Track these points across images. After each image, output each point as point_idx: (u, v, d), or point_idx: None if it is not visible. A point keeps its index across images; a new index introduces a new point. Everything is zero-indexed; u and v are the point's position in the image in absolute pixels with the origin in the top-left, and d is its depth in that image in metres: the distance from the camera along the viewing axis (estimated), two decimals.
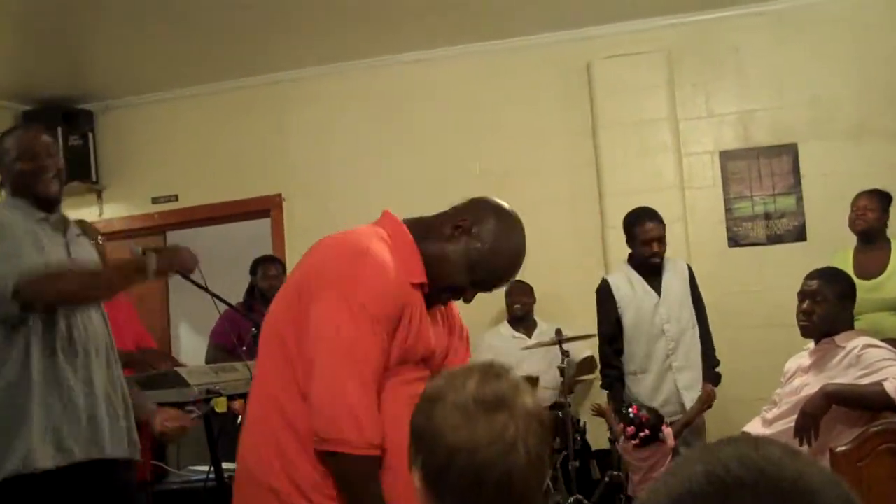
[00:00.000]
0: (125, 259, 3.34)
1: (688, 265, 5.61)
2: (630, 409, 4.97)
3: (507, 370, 1.61)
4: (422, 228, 2.59)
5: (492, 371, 1.59)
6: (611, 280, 5.54)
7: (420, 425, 1.57)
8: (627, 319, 5.42)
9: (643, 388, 5.36)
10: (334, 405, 2.26)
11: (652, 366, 5.37)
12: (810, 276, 4.01)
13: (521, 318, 6.46)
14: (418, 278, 2.47)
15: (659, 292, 5.39)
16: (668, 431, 4.95)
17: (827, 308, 3.90)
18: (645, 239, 5.38)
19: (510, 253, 2.67)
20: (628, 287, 5.47)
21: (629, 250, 5.57)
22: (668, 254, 5.51)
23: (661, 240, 5.40)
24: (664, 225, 5.44)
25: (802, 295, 3.98)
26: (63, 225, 3.42)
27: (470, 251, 2.56)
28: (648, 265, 5.41)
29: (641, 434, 4.86)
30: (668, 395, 5.34)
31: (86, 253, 3.46)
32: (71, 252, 3.36)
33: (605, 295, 5.51)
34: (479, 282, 2.55)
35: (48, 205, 3.36)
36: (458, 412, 1.52)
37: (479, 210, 2.71)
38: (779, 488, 0.84)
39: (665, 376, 5.35)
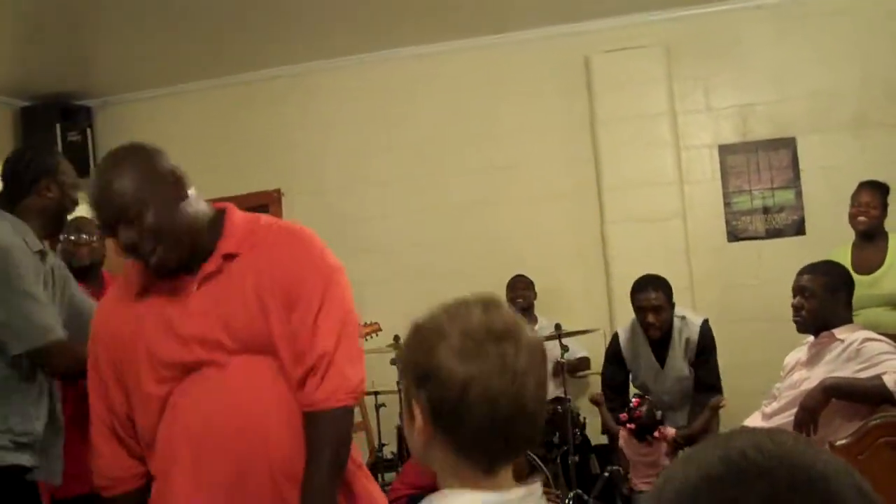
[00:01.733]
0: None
1: (704, 324, 5.33)
2: (632, 401, 5.03)
3: (503, 301, 1.59)
4: None
5: (492, 302, 1.56)
6: (620, 337, 5.49)
7: (421, 360, 1.52)
8: (633, 377, 5.48)
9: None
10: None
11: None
12: (800, 272, 4.02)
13: (522, 313, 6.43)
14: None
15: (663, 363, 5.31)
16: (669, 432, 4.97)
17: (816, 302, 3.90)
18: (639, 307, 5.27)
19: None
20: (631, 349, 5.42)
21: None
22: (676, 316, 5.33)
23: (658, 310, 5.21)
24: (665, 292, 5.25)
25: (794, 291, 3.99)
26: (46, 256, 3.29)
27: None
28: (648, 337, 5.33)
29: (629, 426, 4.93)
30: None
31: (62, 283, 3.34)
32: (45, 282, 3.22)
33: (613, 352, 5.52)
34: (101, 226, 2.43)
35: (55, 231, 3.36)
36: (469, 342, 1.49)
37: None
38: (793, 474, 0.86)
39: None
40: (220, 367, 2.32)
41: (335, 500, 2.30)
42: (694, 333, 5.29)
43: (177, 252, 2.32)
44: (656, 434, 4.94)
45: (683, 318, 5.35)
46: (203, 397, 2.30)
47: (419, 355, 1.53)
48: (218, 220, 2.43)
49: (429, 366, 1.50)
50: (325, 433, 2.28)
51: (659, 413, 5.01)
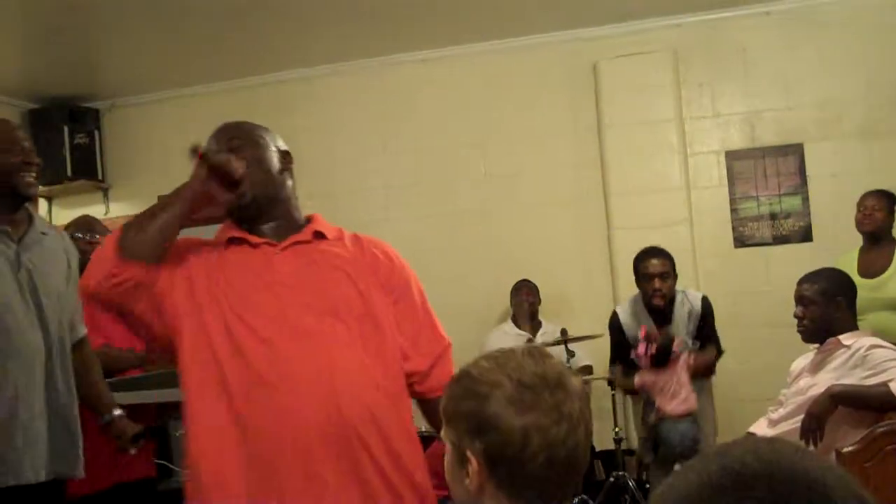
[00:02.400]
0: None
1: (704, 298, 5.42)
2: (640, 331, 5.10)
3: (548, 351, 1.63)
4: None
5: (539, 352, 1.61)
6: (620, 314, 5.49)
7: (475, 410, 1.55)
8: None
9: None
10: None
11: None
12: (799, 282, 4.02)
13: (527, 318, 6.45)
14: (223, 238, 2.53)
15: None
16: (684, 355, 5.05)
17: (816, 310, 3.90)
18: (645, 273, 5.33)
19: None
20: (635, 327, 5.39)
21: (635, 250, 5.55)
22: (679, 286, 5.43)
23: (664, 276, 5.28)
24: (670, 260, 5.34)
25: (795, 300, 4.00)
26: (17, 228, 3.23)
27: None
28: (652, 306, 5.34)
29: (650, 353, 4.99)
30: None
31: (40, 258, 3.26)
32: (21, 261, 3.18)
33: (614, 329, 5.51)
34: None
35: (14, 206, 3.21)
36: (525, 392, 1.53)
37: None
38: (791, 479, 0.86)
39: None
40: (297, 320, 2.35)
41: None
42: (696, 305, 5.34)
43: (257, 192, 2.44)
44: (673, 353, 4.97)
45: (684, 292, 5.42)
46: (283, 344, 2.32)
47: (472, 405, 1.56)
48: (306, 217, 2.59)
49: (485, 416, 1.54)
50: (435, 419, 2.28)
51: (672, 335, 5.06)
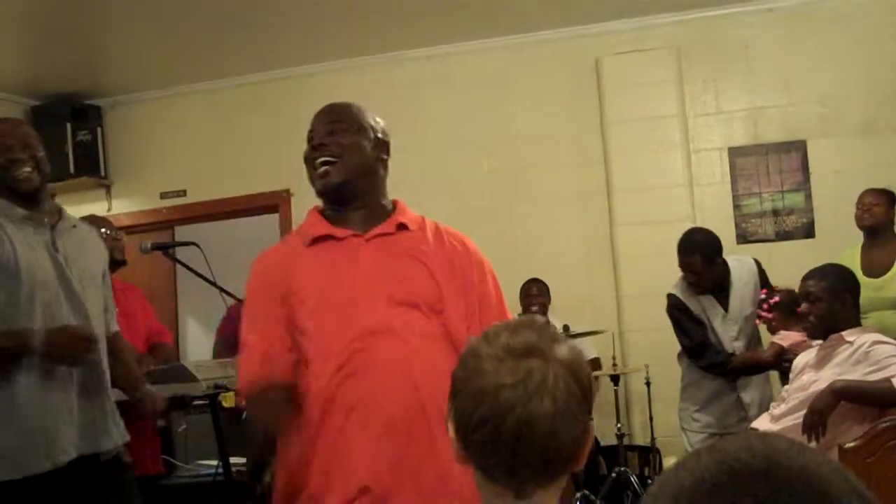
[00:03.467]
0: (9, 331, 3.13)
1: (756, 261, 5.28)
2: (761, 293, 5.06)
3: (543, 324, 1.58)
4: None
5: (526, 323, 1.56)
6: (680, 295, 5.23)
7: (456, 377, 1.55)
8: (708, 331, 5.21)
9: (701, 397, 5.25)
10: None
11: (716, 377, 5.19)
12: (804, 278, 4.02)
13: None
14: (313, 234, 2.60)
15: (726, 307, 5.17)
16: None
17: (822, 307, 3.89)
18: (682, 267, 5.18)
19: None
20: (695, 301, 5.21)
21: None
22: (731, 260, 5.26)
23: (699, 274, 5.09)
24: (699, 257, 5.09)
25: (799, 297, 4.01)
26: (50, 218, 3.33)
27: None
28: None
29: (771, 301, 4.90)
30: (728, 408, 5.16)
31: (74, 247, 3.37)
32: (58, 247, 3.28)
33: (680, 309, 5.23)
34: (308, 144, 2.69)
35: (28, 200, 3.28)
36: (490, 360, 1.49)
37: None
38: (788, 474, 0.86)
39: (726, 391, 5.16)
40: (383, 319, 2.46)
41: None
42: (751, 267, 5.22)
43: (345, 177, 2.55)
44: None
45: (738, 259, 5.30)
46: (365, 336, 2.44)
47: (457, 371, 1.56)
48: (391, 203, 2.70)
49: (455, 380, 1.54)
50: None
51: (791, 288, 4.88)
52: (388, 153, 2.71)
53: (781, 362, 4.88)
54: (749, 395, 5.13)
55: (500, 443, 1.45)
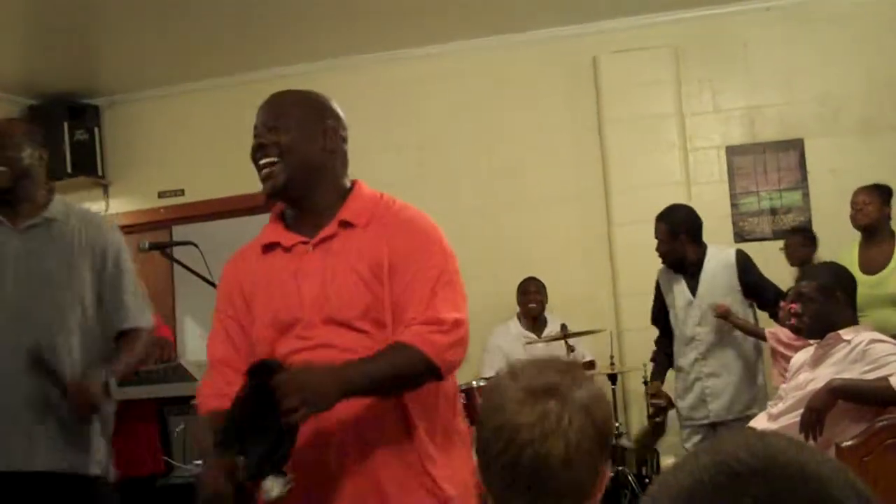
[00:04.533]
0: None
1: (737, 253, 5.35)
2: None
3: (569, 365, 1.66)
4: None
5: (552, 364, 1.64)
6: (659, 272, 5.48)
7: (481, 410, 1.65)
8: (670, 316, 5.42)
9: (678, 386, 5.42)
10: None
11: (683, 367, 5.35)
12: (797, 279, 4.03)
13: (534, 317, 6.42)
14: (265, 240, 2.56)
15: (695, 291, 5.28)
16: None
17: (814, 306, 3.90)
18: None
19: None
20: (667, 284, 5.40)
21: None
22: (711, 246, 5.39)
23: (661, 242, 5.29)
24: (664, 225, 5.30)
25: (793, 297, 4.01)
26: (19, 220, 3.29)
27: None
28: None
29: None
30: (695, 401, 5.29)
31: (37, 245, 3.30)
32: (10, 248, 3.24)
33: (656, 284, 5.51)
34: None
35: (4, 201, 3.28)
36: (512, 398, 1.57)
37: None
38: (787, 473, 0.85)
39: (695, 381, 5.29)
40: (313, 333, 2.42)
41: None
42: (729, 258, 5.29)
43: (289, 177, 2.46)
44: None
45: (721, 249, 5.41)
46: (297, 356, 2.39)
47: (481, 406, 1.67)
48: (347, 191, 2.56)
49: (481, 415, 1.64)
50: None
51: None
52: (342, 141, 2.59)
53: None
54: (713, 387, 5.24)
55: (516, 478, 1.55)
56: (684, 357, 5.33)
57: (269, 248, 2.53)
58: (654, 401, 5.50)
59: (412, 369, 2.31)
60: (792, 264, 5.93)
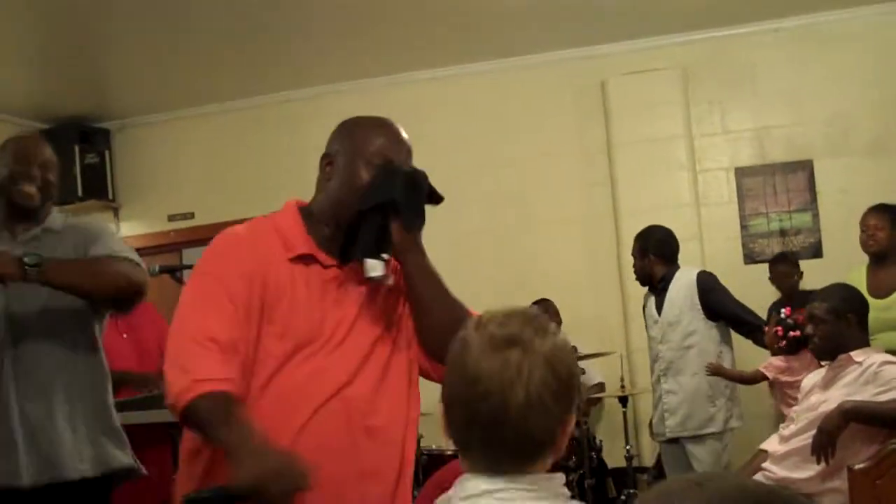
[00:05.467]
0: None
1: (699, 274, 5.42)
2: (783, 311, 5.02)
3: (533, 316, 1.63)
4: (309, 206, 2.46)
5: (517, 314, 1.63)
6: (644, 296, 5.68)
7: (448, 359, 1.64)
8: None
9: (652, 405, 5.57)
10: (167, 362, 2.18)
11: (653, 384, 5.52)
12: (810, 300, 4.02)
13: None
14: (297, 250, 2.31)
15: (660, 310, 5.41)
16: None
17: (826, 328, 3.89)
18: None
19: (371, 126, 2.49)
20: (645, 302, 5.63)
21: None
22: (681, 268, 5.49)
23: (634, 259, 5.52)
24: (636, 244, 5.52)
25: (805, 319, 4.01)
26: (23, 229, 3.28)
27: (343, 166, 2.40)
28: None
29: (791, 334, 4.84)
30: (658, 417, 5.44)
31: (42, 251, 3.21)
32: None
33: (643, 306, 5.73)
34: (371, 171, 2.37)
35: (19, 215, 3.27)
36: (475, 348, 1.58)
37: (332, 135, 2.56)
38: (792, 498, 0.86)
39: (658, 398, 5.43)
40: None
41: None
42: (691, 278, 5.37)
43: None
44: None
45: (688, 269, 5.50)
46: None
47: (448, 356, 1.65)
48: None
49: (448, 363, 1.65)
50: None
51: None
52: (327, 166, 2.48)
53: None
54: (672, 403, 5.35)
55: (474, 427, 1.56)
56: (652, 375, 5.50)
57: (302, 257, 2.32)
58: (652, 437, 5.77)
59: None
60: (782, 291, 6.06)
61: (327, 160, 2.45)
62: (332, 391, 2.24)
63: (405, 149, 2.46)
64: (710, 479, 0.98)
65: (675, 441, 5.33)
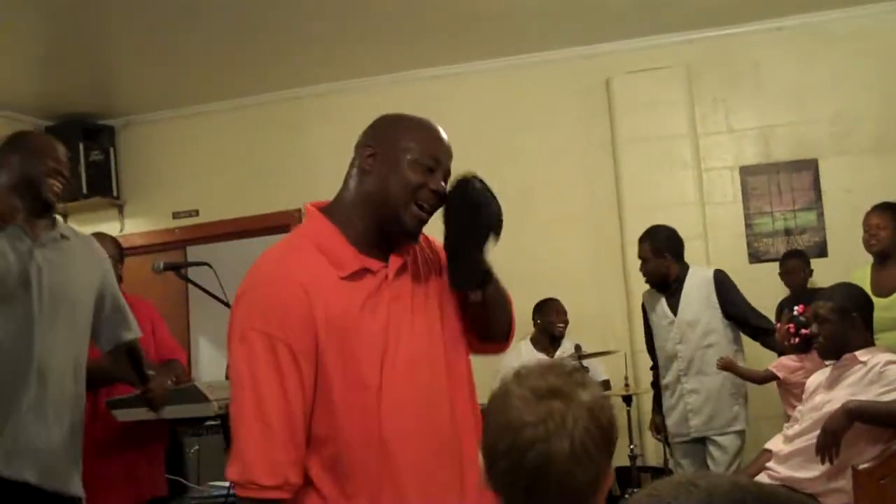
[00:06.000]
0: None
1: (715, 272, 5.44)
2: (796, 309, 4.97)
3: (571, 369, 1.66)
4: (342, 197, 2.38)
5: (556, 367, 1.65)
6: (643, 295, 5.68)
7: (487, 410, 1.65)
8: (655, 336, 5.58)
9: (666, 405, 5.53)
10: (233, 449, 2.12)
11: (668, 385, 5.48)
12: (815, 299, 4.03)
13: (554, 339, 6.36)
14: (350, 268, 2.22)
15: (676, 311, 5.40)
16: None
17: (829, 327, 3.89)
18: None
19: (417, 123, 2.45)
20: (650, 304, 5.59)
21: None
22: (692, 267, 5.50)
23: (645, 261, 5.46)
24: (647, 245, 5.47)
25: (810, 318, 4.01)
26: (37, 230, 3.32)
27: (388, 160, 2.33)
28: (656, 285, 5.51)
29: (803, 332, 4.79)
30: (678, 417, 5.41)
31: (55, 259, 3.34)
32: (35, 257, 3.26)
33: (642, 307, 5.71)
34: (417, 168, 2.34)
35: (39, 210, 3.32)
36: (516, 399, 1.58)
37: (372, 128, 2.47)
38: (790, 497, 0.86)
39: (678, 398, 5.41)
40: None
41: None
42: (708, 275, 5.40)
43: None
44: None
45: (701, 268, 5.56)
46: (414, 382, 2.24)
47: (487, 408, 1.66)
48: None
49: (487, 415, 1.65)
50: None
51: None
52: (368, 155, 2.41)
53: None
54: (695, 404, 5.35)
55: (518, 476, 1.55)
56: (668, 375, 5.46)
57: (355, 275, 2.23)
58: (656, 436, 5.74)
59: None
60: (792, 288, 6.05)
61: (369, 151, 2.36)
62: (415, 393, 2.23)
63: (449, 153, 2.47)
64: (704, 478, 0.98)
65: (696, 441, 5.34)
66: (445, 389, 2.29)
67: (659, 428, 5.62)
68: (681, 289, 5.38)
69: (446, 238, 2.37)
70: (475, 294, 2.37)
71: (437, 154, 2.40)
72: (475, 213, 2.41)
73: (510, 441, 1.56)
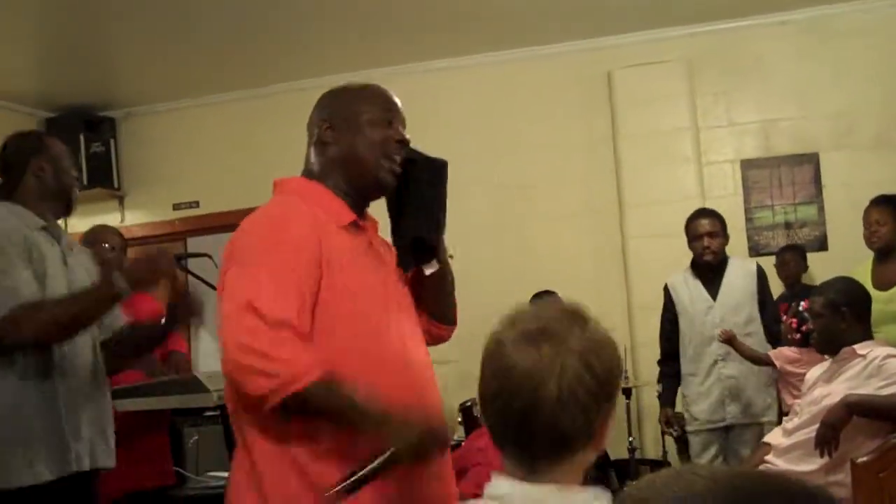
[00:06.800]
0: (94, 286, 3.15)
1: (758, 267, 5.45)
2: (801, 304, 4.94)
3: (567, 309, 1.63)
4: (311, 170, 2.52)
5: (550, 308, 1.65)
6: (670, 282, 5.52)
7: (483, 355, 1.64)
8: (682, 322, 5.41)
9: (692, 391, 5.38)
10: (237, 347, 2.12)
11: (700, 370, 5.34)
12: (811, 293, 4.04)
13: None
14: (347, 218, 2.38)
15: (715, 296, 5.33)
16: None
17: (822, 322, 3.90)
18: (695, 234, 5.37)
19: (361, 87, 2.58)
20: (684, 289, 5.44)
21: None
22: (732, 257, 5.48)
23: (713, 235, 5.32)
24: (720, 221, 5.38)
25: (793, 312, 4.02)
26: (59, 234, 3.36)
27: (347, 128, 2.44)
28: (703, 264, 5.36)
29: (805, 327, 4.79)
30: (714, 403, 5.29)
31: (80, 263, 3.38)
32: (67, 262, 3.29)
33: (665, 295, 5.53)
34: (377, 125, 2.44)
35: (62, 208, 3.40)
36: (507, 343, 1.58)
37: (319, 105, 2.59)
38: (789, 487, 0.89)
39: (713, 384, 5.30)
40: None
41: None
42: (751, 267, 5.42)
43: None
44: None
45: (743, 259, 5.59)
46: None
47: (483, 352, 1.64)
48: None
49: (482, 360, 1.63)
50: None
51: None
52: (326, 129, 2.52)
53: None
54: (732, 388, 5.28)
55: (508, 421, 1.56)
56: (701, 360, 5.33)
57: (351, 226, 2.39)
58: (668, 430, 5.51)
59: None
60: (786, 281, 6.10)
61: (325, 125, 2.46)
62: (402, 351, 2.37)
63: (398, 103, 2.56)
64: (705, 468, 0.98)
65: (724, 430, 5.28)
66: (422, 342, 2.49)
67: (671, 421, 5.43)
68: (721, 275, 5.34)
69: (404, 205, 2.50)
70: (432, 265, 2.50)
71: (389, 106, 2.50)
72: (441, 170, 2.59)
73: (498, 386, 1.56)
